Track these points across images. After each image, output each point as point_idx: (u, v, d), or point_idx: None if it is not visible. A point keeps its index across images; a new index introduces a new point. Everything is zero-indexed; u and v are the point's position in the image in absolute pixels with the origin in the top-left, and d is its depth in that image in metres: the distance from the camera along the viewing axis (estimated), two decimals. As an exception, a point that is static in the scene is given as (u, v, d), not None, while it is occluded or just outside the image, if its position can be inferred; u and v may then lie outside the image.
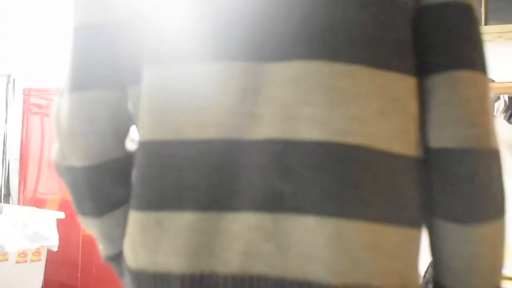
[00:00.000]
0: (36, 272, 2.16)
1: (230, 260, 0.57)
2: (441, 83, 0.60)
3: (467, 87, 0.59)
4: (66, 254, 2.35)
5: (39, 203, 2.49)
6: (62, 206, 2.45)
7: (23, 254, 2.08)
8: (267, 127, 0.56)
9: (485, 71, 0.64)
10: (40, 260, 2.16)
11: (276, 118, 0.56)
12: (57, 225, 2.15)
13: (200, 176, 0.58)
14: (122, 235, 0.68)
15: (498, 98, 3.40)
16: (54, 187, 2.54)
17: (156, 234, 0.59)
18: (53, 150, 0.69)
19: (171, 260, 0.58)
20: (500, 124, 3.56)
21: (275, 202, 0.56)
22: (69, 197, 2.55)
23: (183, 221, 0.58)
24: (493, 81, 3.61)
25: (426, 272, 3.80)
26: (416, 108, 0.60)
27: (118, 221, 0.67)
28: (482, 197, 0.60)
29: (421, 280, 0.61)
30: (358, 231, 0.55)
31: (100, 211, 0.67)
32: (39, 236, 2.07)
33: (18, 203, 2.61)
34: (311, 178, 0.55)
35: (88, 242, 2.40)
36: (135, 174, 0.63)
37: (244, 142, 0.57)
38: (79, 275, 2.42)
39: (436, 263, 0.64)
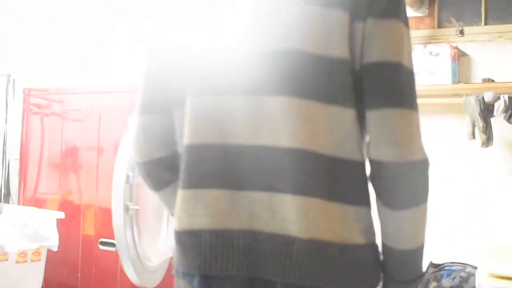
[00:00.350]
0: (36, 272, 2.16)
1: (241, 221, 0.93)
2: (377, 117, 0.91)
3: (394, 121, 0.91)
4: (66, 254, 2.35)
5: (39, 203, 2.49)
6: (62, 206, 2.45)
7: (23, 254, 2.08)
8: (263, 137, 0.92)
9: (412, 107, 0.96)
10: (40, 260, 2.16)
11: (268, 132, 0.92)
12: (57, 225, 2.14)
13: (221, 167, 0.94)
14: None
15: (498, 98, 3.40)
16: (54, 187, 2.54)
17: (193, 204, 0.95)
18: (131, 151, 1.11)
19: (203, 220, 0.94)
20: (500, 124, 3.56)
21: (269, 186, 0.92)
22: (69, 197, 2.53)
23: (210, 196, 0.94)
24: (493, 81, 3.61)
25: (426, 272, 3.79)
26: (354, 128, 0.93)
27: (170, 194, 1.04)
28: (402, 193, 0.93)
29: (367, 241, 0.94)
30: (315, 205, 0.90)
31: (157, 187, 1.08)
32: (39, 236, 2.07)
33: (18, 203, 2.61)
34: (288, 171, 0.91)
35: (88, 242, 2.40)
36: (181, 166, 0.98)
37: (248, 146, 0.93)
38: (79, 275, 2.42)
39: (381, 230, 0.98)
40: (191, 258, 0.95)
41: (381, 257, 1.00)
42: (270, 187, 0.92)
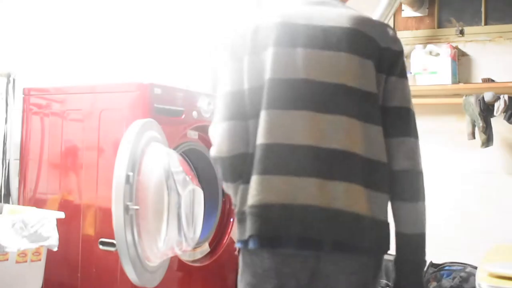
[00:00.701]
0: (36, 272, 2.16)
1: (299, 197, 1.32)
2: (398, 141, 1.43)
3: (409, 145, 1.43)
4: (66, 254, 2.35)
5: (39, 203, 2.49)
6: (62, 206, 2.45)
7: (23, 254, 2.08)
8: (318, 140, 1.35)
9: (417, 137, 1.47)
10: (40, 260, 2.16)
11: (321, 137, 1.35)
12: (57, 225, 2.15)
13: (285, 160, 1.35)
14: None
15: (498, 98, 3.40)
16: (54, 187, 2.54)
17: (265, 185, 1.34)
18: (212, 150, 1.45)
19: (272, 197, 1.33)
20: (500, 124, 3.56)
21: (321, 174, 1.33)
22: (69, 197, 2.52)
23: (277, 180, 1.34)
24: (493, 81, 3.60)
25: (426, 272, 3.79)
26: (380, 139, 1.42)
27: (238, 185, 1.41)
28: (415, 190, 1.42)
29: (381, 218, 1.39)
30: (354, 188, 1.34)
31: (234, 179, 1.42)
32: (39, 236, 2.07)
33: (18, 203, 2.61)
34: (336, 165, 1.34)
35: (88, 242, 2.40)
36: (255, 158, 1.36)
37: (306, 146, 1.34)
38: (79, 275, 2.42)
39: (397, 222, 1.43)
40: (262, 223, 1.34)
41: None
42: (322, 175, 1.33)
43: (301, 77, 1.37)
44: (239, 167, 1.39)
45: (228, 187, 1.46)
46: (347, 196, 1.32)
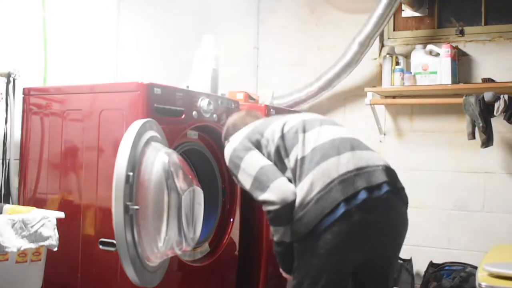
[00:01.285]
0: (36, 272, 2.16)
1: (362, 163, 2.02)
2: None
3: None
4: (66, 254, 2.35)
5: (39, 203, 2.49)
6: (62, 206, 2.45)
7: (23, 254, 2.08)
8: (355, 164, 2.02)
9: None
10: (40, 260, 2.16)
11: (356, 162, 2.02)
12: (57, 225, 2.14)
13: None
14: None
15: (498, 98, 3.40)
16: (54, 187, 2.54)
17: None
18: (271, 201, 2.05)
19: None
20: (500, 124, 3.56)
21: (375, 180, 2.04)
22: (69, 197, 2.51)
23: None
24: (493, 81, 3.60)
25: (426, 272, 3.79)
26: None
27: (288, 228, 2.01)
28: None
29: None
30: (395, 174, 2.12)
31: (286, 222, 1.98)
32: (39, 236, 2.07)
33: (18, 203, 2.61)
34: (381, 174, 2.03)
35: (88, 242, 2.40)
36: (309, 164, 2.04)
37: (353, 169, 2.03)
38: (79, 275, 2.42)
39: None
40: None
41: None
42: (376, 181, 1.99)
43: (336, 138, 2.12)
44: (290, 213, 1.96)
45: (278, 230, 2.03)
46: (392, 177, 2.11)
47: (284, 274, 2.17)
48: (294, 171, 2.00)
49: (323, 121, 2.15)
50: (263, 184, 1.99)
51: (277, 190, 1.96)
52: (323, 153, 1.99)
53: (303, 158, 2.00)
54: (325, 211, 1.89)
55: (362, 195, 1.91)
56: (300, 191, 1.95)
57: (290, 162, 2.03)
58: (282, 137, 2.07)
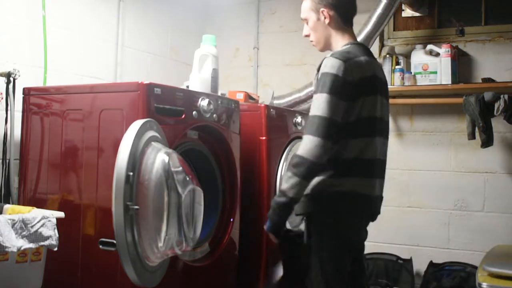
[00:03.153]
0: (36, 272, 2.16)
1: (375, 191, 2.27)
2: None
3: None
4: (66, 254, 2.35)
5: (39, 203, 2.49)
6: (62, 206, 2.45)
7: (23, 254, 2.08)
8: (380, 154, 2.27)
9: None
10: (40, 260, 2.16)
11: (379, 153, 2.26)
12: (57, 225, 2.15)
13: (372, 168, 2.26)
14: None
15: (498, 98, 3.40)
16: (54, 187, 2.54)
17: (364, 181, 2.22)
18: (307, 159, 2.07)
19: (365, 190, 2.22)
20: (500, 124, 3.56)
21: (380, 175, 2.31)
22: (69, 197, 2.52)
23: (369, 181, 2.24)
24: (493, 81, 3.60)
25: (426, 272, 3.78)
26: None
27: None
28: None
29: None
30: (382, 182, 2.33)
31: (312, 177, 2.11)
32: (39, 236, 2.07)
33: (18, 203, 2.61)
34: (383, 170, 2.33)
35: (88, 242, 2.40)
36: (352, 165, 2.19)
37: (379, 159, 2.27)
38: (79, 275, 2.42)
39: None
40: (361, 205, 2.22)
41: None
42: (380, 176, 2.29)
43: (378, 116, 2.21)
44: (319, 170, 2.13)
45: (300, 184, 2.08)
46: (380, 189, 2.30)
47: (271, 236, 2.24)
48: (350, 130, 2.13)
49: (382, 132, 2.28)
50: (326, 133, 2.03)
51: (328, 150, 2.05)
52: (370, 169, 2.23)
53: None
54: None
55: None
56: (349, 154, 2.14)
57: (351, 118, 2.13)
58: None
